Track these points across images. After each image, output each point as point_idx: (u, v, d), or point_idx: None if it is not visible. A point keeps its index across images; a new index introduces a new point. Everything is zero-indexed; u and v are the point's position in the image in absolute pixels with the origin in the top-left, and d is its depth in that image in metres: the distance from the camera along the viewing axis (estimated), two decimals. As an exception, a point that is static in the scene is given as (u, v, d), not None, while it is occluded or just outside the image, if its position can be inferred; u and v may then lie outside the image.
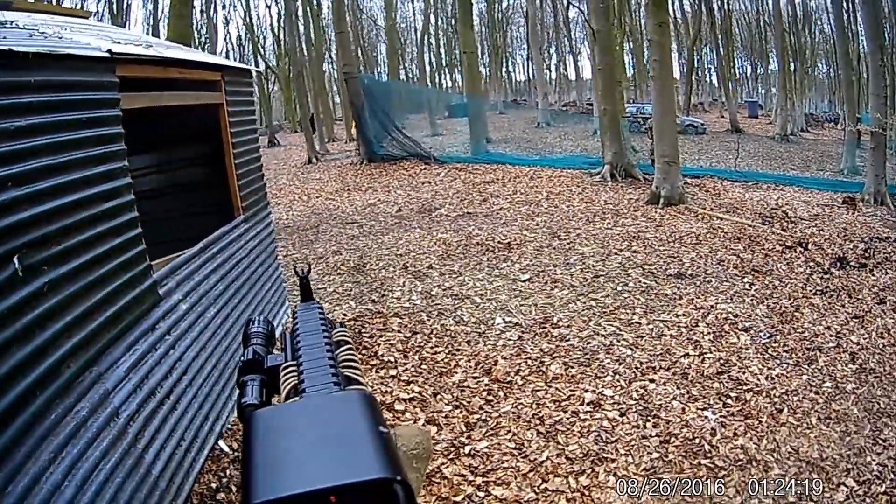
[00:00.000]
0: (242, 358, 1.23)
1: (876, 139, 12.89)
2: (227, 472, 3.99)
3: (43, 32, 3.37)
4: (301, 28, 30.27)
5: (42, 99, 2.74)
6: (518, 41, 56.29)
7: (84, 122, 3.04)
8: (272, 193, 15.89)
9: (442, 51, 52.18)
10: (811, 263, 8.11)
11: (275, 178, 19.28)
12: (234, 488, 3.86)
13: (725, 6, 37.73)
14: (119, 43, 3.76)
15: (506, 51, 55.02)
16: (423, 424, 4.50)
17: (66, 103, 2.93)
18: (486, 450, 4.17)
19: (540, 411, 4.62)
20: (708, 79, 53.30)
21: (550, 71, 55.10)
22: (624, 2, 31.62)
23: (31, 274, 2.55)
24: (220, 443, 4.20)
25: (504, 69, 56.66)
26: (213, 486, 3.85)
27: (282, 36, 31.55)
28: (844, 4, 23.36)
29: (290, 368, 1.12)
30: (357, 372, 1.13)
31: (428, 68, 53.08)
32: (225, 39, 51.41)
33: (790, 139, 27.10)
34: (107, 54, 3.27)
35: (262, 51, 40.25)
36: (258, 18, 49.31)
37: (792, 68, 31.61)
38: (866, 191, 12.76)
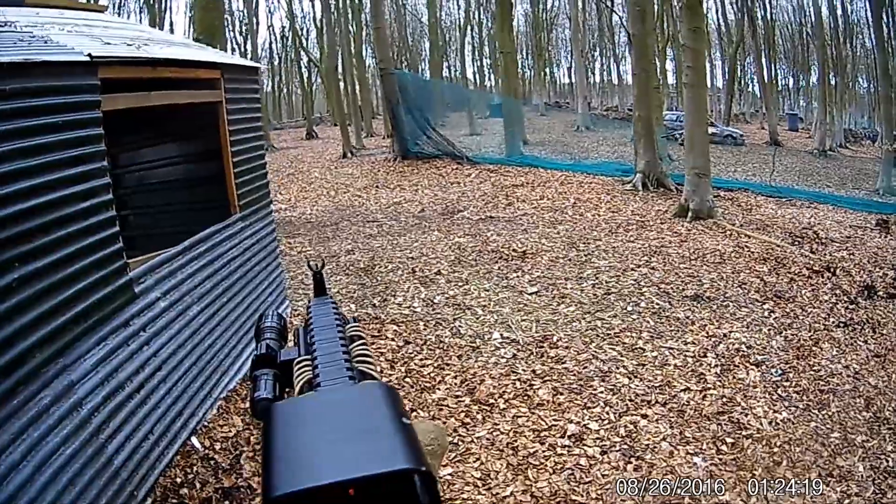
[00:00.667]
0: (255, 352, 1.25)
1: (912, 159, 12.37)
2: (195, 468, 3.98)
3: (33, 36, 3.47)
4: (342, 22, 30.44)
5: (17, 105, 2.87)
6: (563, 43, 55.69)
7: (60, 126, 3.14)
8: (301, 187, 16.18)
9: (486, 50, 51.97)
10: (837, 291, 7.65)
11: (308, 171, 19.44)
12: (198, 484, 3.85)
13: (769, 15, 36.84)
14: (108, 44, 3.83)
15: (549, 52, 54.49)
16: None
17: (44, 108, 3.02)
18: (448, 477, 3.97)
19: (516, 440, 4.38)
20: (750, 88, 51.96)
21: (594, 75, 54.52)
22: (665, 7, 31.09)
23: (2, 270, 2.70)
24: (193, 439, 4.22)
25: (547, 70, 56.15)
26: (179, 480, 3.85)
27: (324, 30, 31.77)
28: (885, 17, 22.53)
29: (304, 363, 1.13)
30: (371, 367, 1.14)
31: (471, 66, 53.05)
32: (269, 30, 51.94)
33: (828, 154, 26.45)
34: (87, 58, 3.34)
35: (304, 43, 40.60)
36: (301, 11, 49.83)
37: (832, 82, 30.78)
38: (900, 213, 12.24)
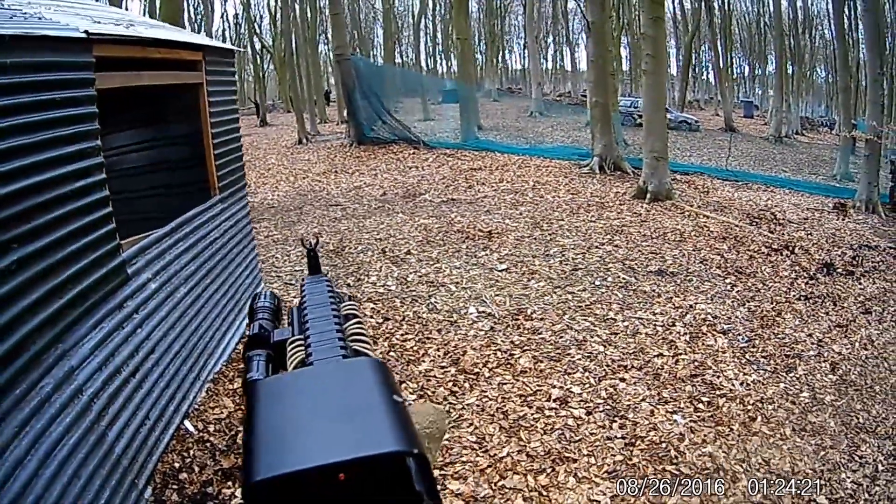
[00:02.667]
0: (248, 332, 1.23)
1: (871, 147, 12.98)
2: (192, 452, 3.99)
3: (25, 13, 3.38)
4: (297, 8, 30.02)
5: (18, 80, 2.79)
6: (516, 29, 56.10)
7: (58, 102, 3.08)
8: (260, 173, 16.01)
9: (438, 36, 51.92)
10: (797, 268, 8.11)
11: (264, 157, 19.19)
12: (197, 468, 3.86)
13: (726, 5, 37.68)
14: (99, 23, 3.76)
15: (503, 39, 54.76)
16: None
17: (42, 84, 2.96)
18: (446, 442, 4.14)
19: (505, 405, 4.59)
20: (705, 76, 53.24)
21: (547, 61, 55.02)
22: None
23: (2, 251, 2.60)
24: (186, 423, 4.21)
25: (500, 57, 56.42)
26: (177, 465, 3.85)
27: (278, 16, 31.22)
28: (846, 11, 23.36)
29: (298, 342, 1.10)
30: (367, 346, 1.12)
31: (424, 53, 52.88)
32: (222, 17, 50.83)
33: (784, 141, 27.18)
34: (83, 35, 3.28)
35: (258, 30, 39.88)
36: (255, -2, 48.75)
37: (790, 71, 31.66)
38: (858, 198, 12.89)
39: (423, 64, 51.80)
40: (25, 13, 3.34)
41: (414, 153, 16.83)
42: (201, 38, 5.44)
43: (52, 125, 3.02)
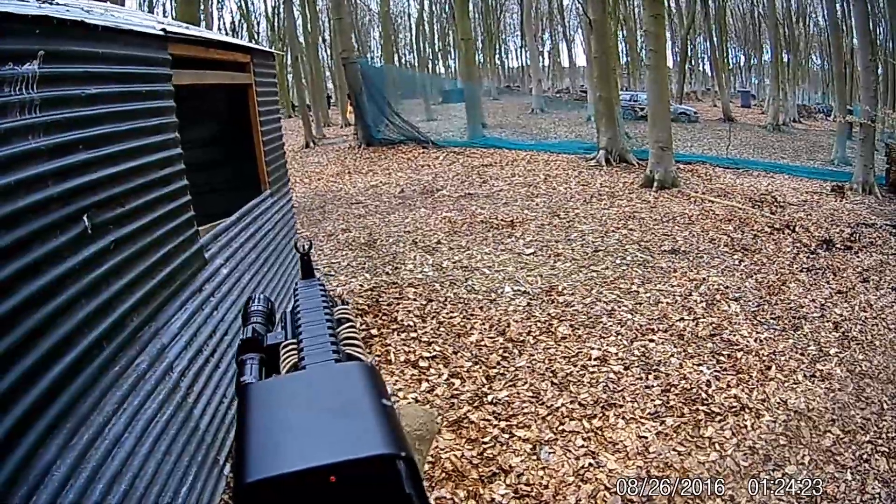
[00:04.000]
0: (242, 336, 1.20)
1: (865, 131, 13.30)
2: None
3: (89, 11, 3.62)
4: (296, 13, 30.34)
5: (109, 70, 2.93)
6: (512, 28, 56.45)
7: (143, 95, 3.24)
8: (273, 176, 16.25)
9: (436, 37, 52.31)
10: (798, 244, 8.54)
11: (274, 161, 19.40)
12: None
13: (720, -2, 37.92)
14: (163, 24, 4.05)
15: (500, 37, 55.14)
16: (448, 378, 4.89)
17: (129, 75, 3.11)
18: (506, 398, 4.58)
19: (552, 366, 5.05)
20: (701, 68, 53.57)
21: (544, 58, 55.36)
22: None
23: (100, 232, 2.69)
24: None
25: (498, 56, 56.80)
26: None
27: (276, 22, 31.56)
28: None
29: (290, 346, 1.10)
30: (359, 350, 1.10)
31: (422, 54, 53.23)
32: (219, 24, 51.20)
33: (782, 129, 27.26)
34: (161, 32, 3.52)
35: (255, 36, 40.25)
36: (252, 4, 49.17)
37: (785, 60, 31.83)
38: (855, 180, 13.17)
39: (423, 65, 52.19)
40: (90, 11, 3.57)
41: (423, 152, 17.16)
42: (248, 42, 5.75)
43: (139, 116, 3.16)
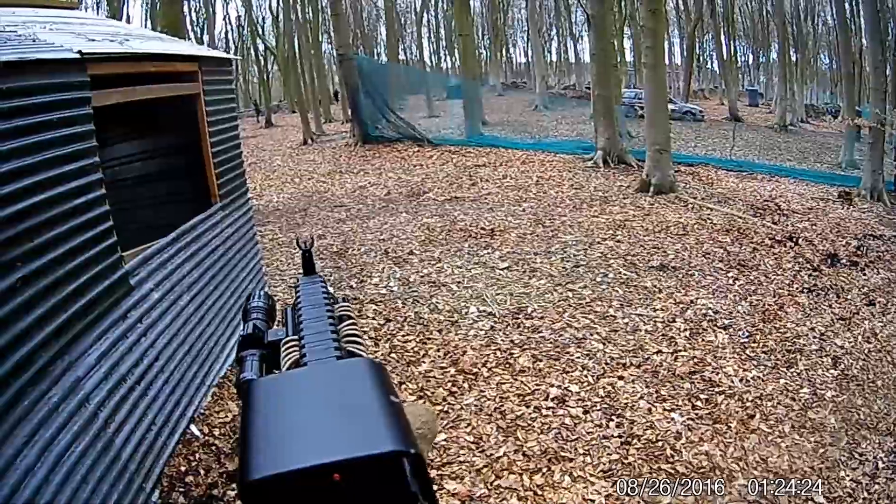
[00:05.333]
0: (242, 333, 1.23)
1: (875, 135, 12.89)
2: (198, 455, 4.08)
3: (19, 35, 3.45)
4: (299, 10, 30.13)
5: (15, 104, 2.85)
6: (519, 23, 55.88)
7: (55, 123, 3.14)
8: (265, 175, 16.09)
9: (441, 32, 51.90)
10: (800, 260, 8.09)
11: (269, 159, 19.28)
12: (202, 471, 3.95)
13: (728, -7, 37.30)
14: (93, 40, 3.85)
15: (506, 32, 54.60)
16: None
17: (38, 106, 3.02)
18: (443, 442, 4.21)
19: (502, 405, 4.64)
20: (709, 66, 52.85)
21: (550, 54, 54.85)
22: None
23: (5, 270, 2.66)
24: (192, 427, 4.30)
25: (504, 51, 56.27)
26: (183, 468, 3.94)
27: (280, 17, 31.33)
28: None
29: (292, 343, 1.11)
30: (361, 347, 1.13)
31: (427, 50, 52.89)
32: (224, 20, 51.14)
33: (789, 129, 26.93)
34: (77, 55, 3.35)
35: (260, 32, 40.05)
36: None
37: (793, 59, 31.35)
38: (863, 186, 12.78)
39: (427, 60, 51.86)
40: (20, 35, 3.42)
41: (418, 151, 16.94)
42: (196, 49, 5.49)
43: (51, 146, 3.08)
